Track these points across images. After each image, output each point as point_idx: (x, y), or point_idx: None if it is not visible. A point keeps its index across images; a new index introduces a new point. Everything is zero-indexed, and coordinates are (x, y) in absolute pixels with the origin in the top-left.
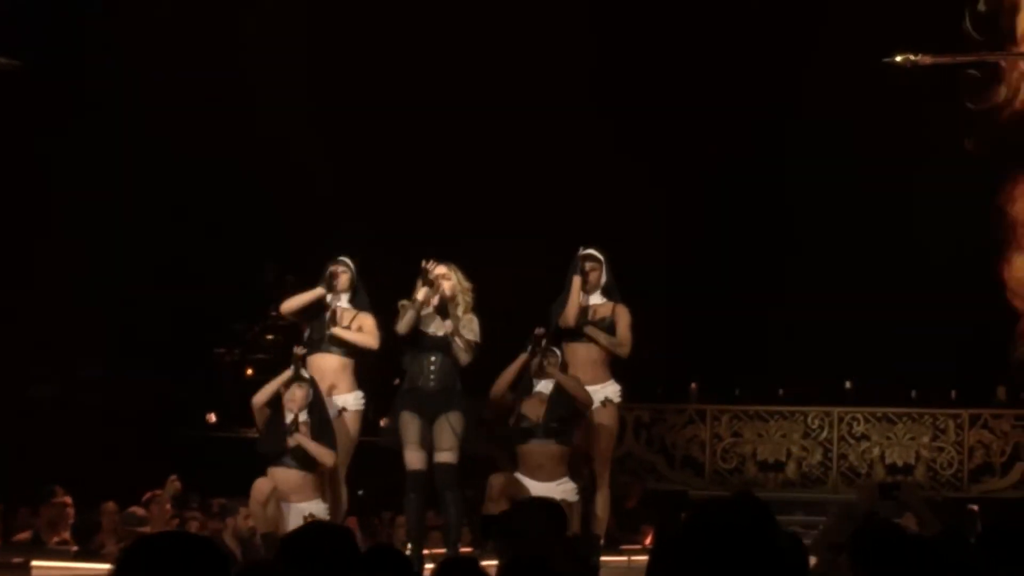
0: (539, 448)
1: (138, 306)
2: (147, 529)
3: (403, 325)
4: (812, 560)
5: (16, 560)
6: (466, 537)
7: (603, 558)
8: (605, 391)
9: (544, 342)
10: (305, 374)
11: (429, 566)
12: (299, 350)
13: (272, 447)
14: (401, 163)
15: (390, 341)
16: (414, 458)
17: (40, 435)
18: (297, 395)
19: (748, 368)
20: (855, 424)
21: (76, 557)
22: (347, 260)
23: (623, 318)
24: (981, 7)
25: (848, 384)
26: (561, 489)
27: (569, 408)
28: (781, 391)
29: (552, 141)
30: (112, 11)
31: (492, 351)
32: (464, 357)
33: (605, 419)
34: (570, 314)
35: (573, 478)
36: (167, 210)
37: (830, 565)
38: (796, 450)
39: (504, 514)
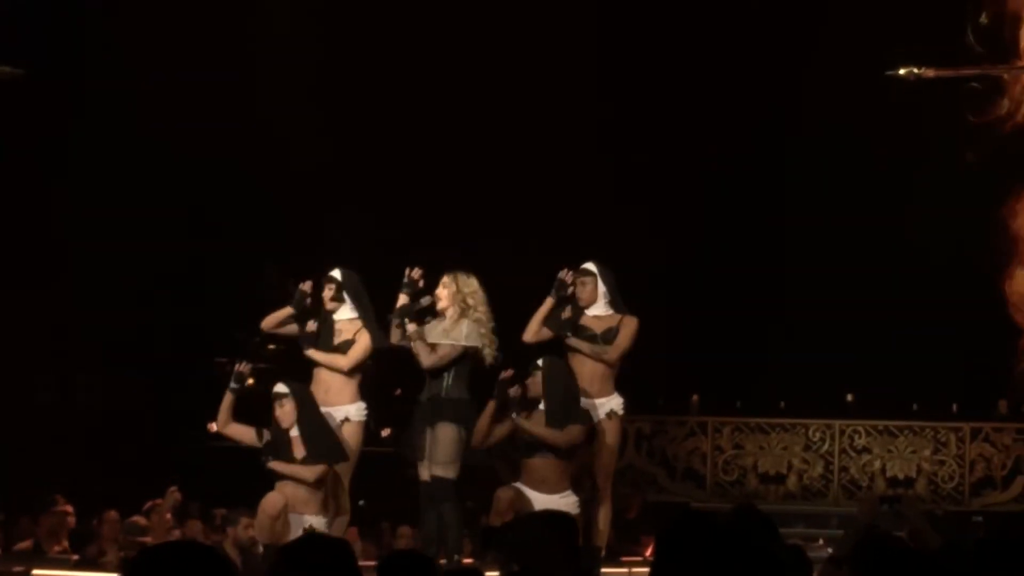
0: (542, 462)
1: (139, 315)
2: (148, 539)
3: (393, 337)
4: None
5: (17, 569)
6: (468, 548)
7: (604, 570)
8: (609, 404)
9: (514, 387)
10: (283, 388)
11: None
12: (306, 286)
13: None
14: (403, 166)
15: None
16: (420, 470)
17: (41, 444)
18: (285, 410)
19: (750, 380)
20: (856, 437)
21: (77, 566)
22: (335, 275)
23: (627, 327)
24: (983, 20)
25: (849, 397)
26: (564, 502)
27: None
28: (782, 403)
29: (554, 148)
30: (112, 12)
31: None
32: (424, 358)
33: (608, 432)
34: (529, 330)
35: (575, 491)
36: (169, 216)
37: None
38: (797, 463)
39: (506, 526)
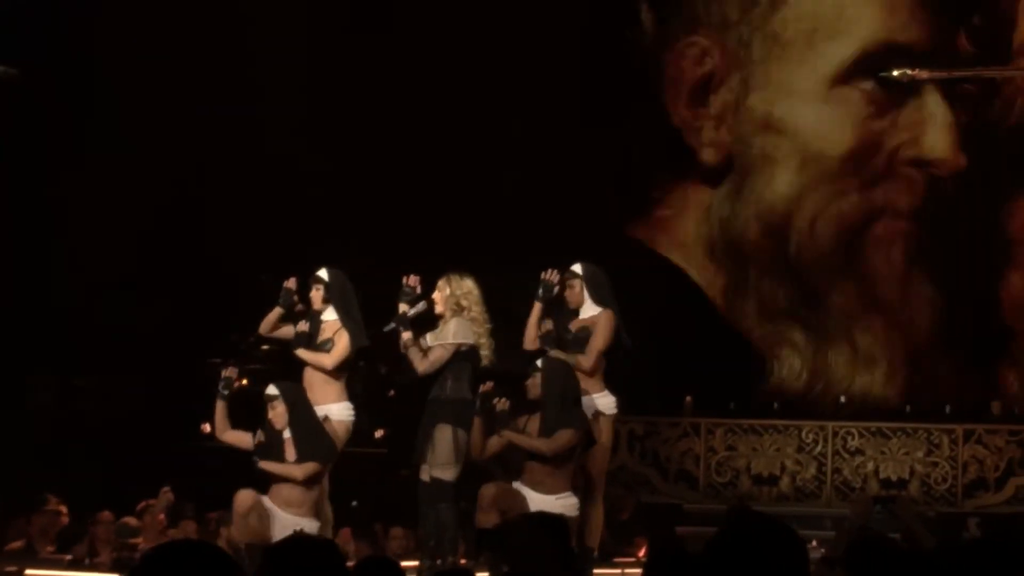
0: (540, 463)
1: (132, 315)
2: (139, 540)
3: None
4: None
5: (9, 569)
6: (463, 549)
7: (597, 571)
8: (595, 404)
9: (496, 399)
10: (274, 390)
11: None
12: (290, 283)
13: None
14: (397, 176)
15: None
16: (421, 471)
17: (35, 444)
18: (277, 412)
19: (743, 381)
20: (849, 439)
21: (70, 566)
22: (322, 275)
23: (599, 326)
24: (976, 21)
25: (842, 398)
26: (562, 503)
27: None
28: (775, 405)
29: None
30: (108, 20)
31: None
32: (417, 365)
33: (597, 432)
34: (527, 337)
35: (574, 492)
36: (164, 217)
37: None
38: (790, 464)
39: (499, 527)
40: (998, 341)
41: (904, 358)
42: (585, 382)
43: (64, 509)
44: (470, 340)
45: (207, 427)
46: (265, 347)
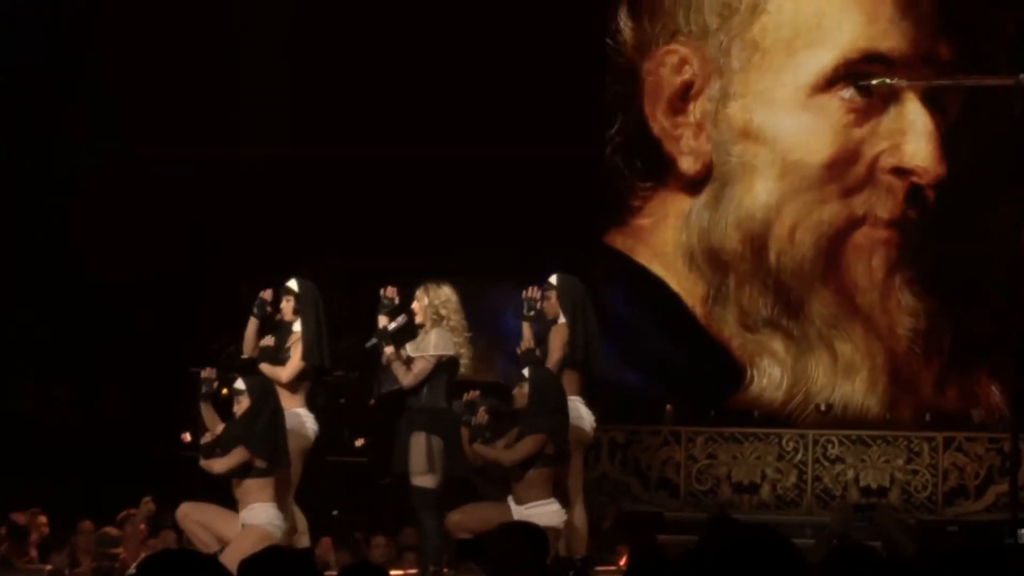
0: (513, 473)
1: (112, 324)
2: (120, 550)
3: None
4: None
5: None
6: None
7: None
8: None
9: (479, 408)
10: (240, 384)
11: None
12: (266, 294)
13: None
14: (376, 184)
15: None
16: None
17: (15, 453)
18: (242, 406)
19: (723, 390)
20: (829, 446)
21: None
22: (291, 286)
23: (552, 336)
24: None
25: (822, 406)
26: (534, 512)
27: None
28: (756, 413)
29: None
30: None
31: None
32: (402, 378)
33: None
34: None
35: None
36: (145, 229)
37: None
38: (771, 472)
39: (481, 538)
40: (978, 349)
41: (884, 366)
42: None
43: (45, 519)
44: (450, 351)
45: (188, 436)
46: (244, 357)
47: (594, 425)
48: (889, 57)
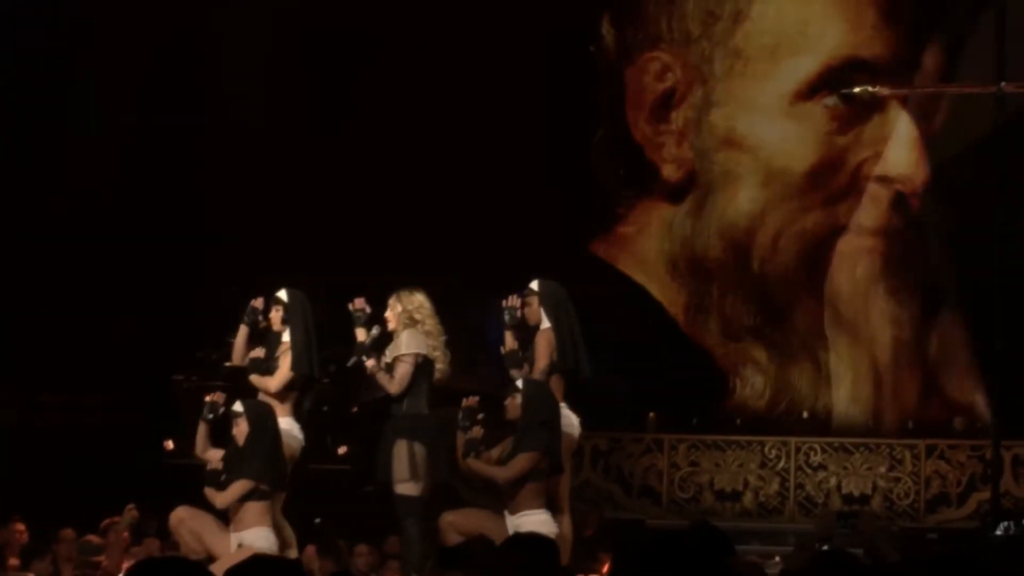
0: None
1: (95, 331)
2: (102, 558)
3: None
4: None
5: None
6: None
7: None
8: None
9: (477, 415)
10: (239, 407)
11: None
12: (257, 302)
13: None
14: (359, 192)
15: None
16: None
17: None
18: (240, 429)
19: (706, 397)
20: (812, 454)
21: None
22: (281, 296)
23: (537, 344)
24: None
25: (805, 414)
26: (531, 521)
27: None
28: (738, 420)
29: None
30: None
31: None
32: (388, 386)
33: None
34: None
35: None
36: (127, 232)
37: None
38: (753, 480)
39: (465, 545)
40: (961, 357)
41: (868, 375)
42: None
43: (23, 527)
44: (423, 350)
45: (170, 444)
46: (228, 364)
47: (580, 431)
48: (872, 65)
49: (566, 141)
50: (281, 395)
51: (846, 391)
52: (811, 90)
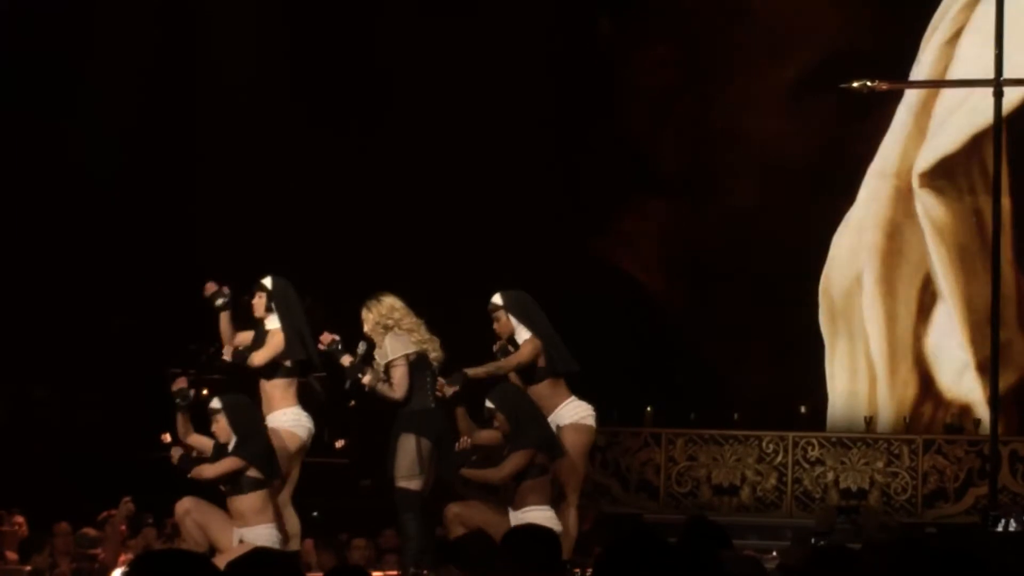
0: (525, 483)
1: (90, 325)
2: (99, 551)
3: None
4: None
5: None
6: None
7: None
8: (555, 421)
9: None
10: (216, 404)
11: None
12: (210, 286)
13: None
14: (355, 194)
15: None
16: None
17: None
18: (220, 425)
19: (703, 392)
20: (810, 449)
21: None
22: (265, 283)
23: (523, 348)
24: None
25: (803, 409)
26: (535, 516)
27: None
28: (736, 415)
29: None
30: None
31: None
32: (391, 394)
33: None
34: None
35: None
36: (120, 227)
37: None
38: (751, 474)
39: (459, 540)
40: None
41: (864, 370)
42: (543, 404)
43: (22, 520)
44: (410, 349)
45: (167, 436)
46: (226, 355)
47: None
48: (871, 58)
49: (563, 139)
50: (284, 385)
51: (843, 386)
52: (811, 84)
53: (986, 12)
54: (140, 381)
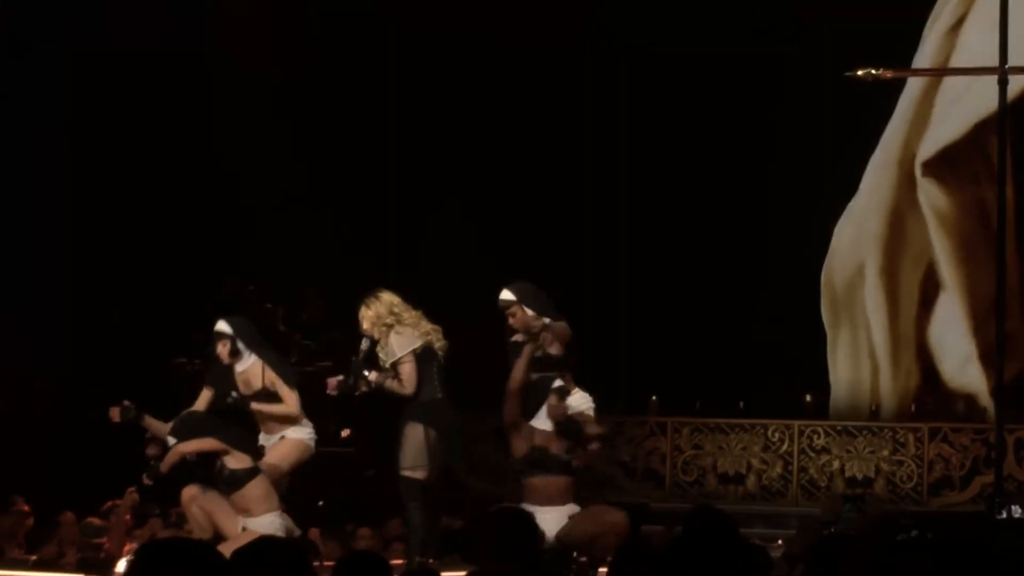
0: (542, 480)
1: (94, 315)
2: (104, 540)
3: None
4: None
5: None
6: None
7: None
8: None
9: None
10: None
11: None
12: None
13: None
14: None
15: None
16: None
17: None
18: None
19: (709, 381)
20: (815, 437)
21: (35, 567)
22: (223, 329)
23: (553, 336)
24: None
25: (808, 397)
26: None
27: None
28: (741, 404)
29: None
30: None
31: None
32: (401, 390)
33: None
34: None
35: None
36: (124, 217)
37: None
38: (756, 463)
39: (462, 530)
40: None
41: (869, 360)
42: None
43: (28, 509)
44: (418, 343)
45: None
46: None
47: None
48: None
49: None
50: (296, 400)
51: (846, 376)
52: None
53: (990, 0)
54: (143, 370)
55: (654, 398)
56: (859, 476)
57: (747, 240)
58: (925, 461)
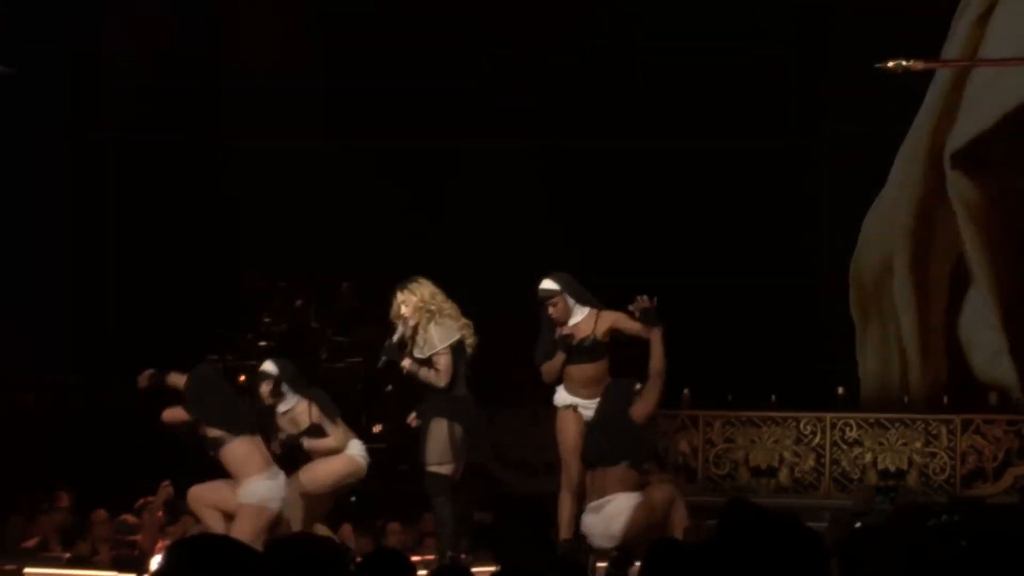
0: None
1: (124, 312)
2: (139, 537)
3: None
4: None
5: (8, 568)
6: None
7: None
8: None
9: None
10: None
11: (422, 573)
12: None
13: None
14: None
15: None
16: None
17: (28, 444)
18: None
19: (740, 374)
20: (847, 430)
21: (69, 564)
22: (269, 369)
23: (604, 323)
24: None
25: (840, 390)
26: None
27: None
28: (773, 397)
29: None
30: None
31: None
32: (436, 381)
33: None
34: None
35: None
36: (152, 213)
37: None
38: (788, 456)
39: (493, 526)
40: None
41: (898, 354)
42: (594, 387)
43: (67, 504)
44: (455, 337)
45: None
46: (263, 344)
47: None
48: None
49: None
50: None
51: (875, 370)
52: None
53: None
54: (175, 366)
55: (686, 391)
56: (892, 468)
57: (778, 233)
58: (958, 453)
